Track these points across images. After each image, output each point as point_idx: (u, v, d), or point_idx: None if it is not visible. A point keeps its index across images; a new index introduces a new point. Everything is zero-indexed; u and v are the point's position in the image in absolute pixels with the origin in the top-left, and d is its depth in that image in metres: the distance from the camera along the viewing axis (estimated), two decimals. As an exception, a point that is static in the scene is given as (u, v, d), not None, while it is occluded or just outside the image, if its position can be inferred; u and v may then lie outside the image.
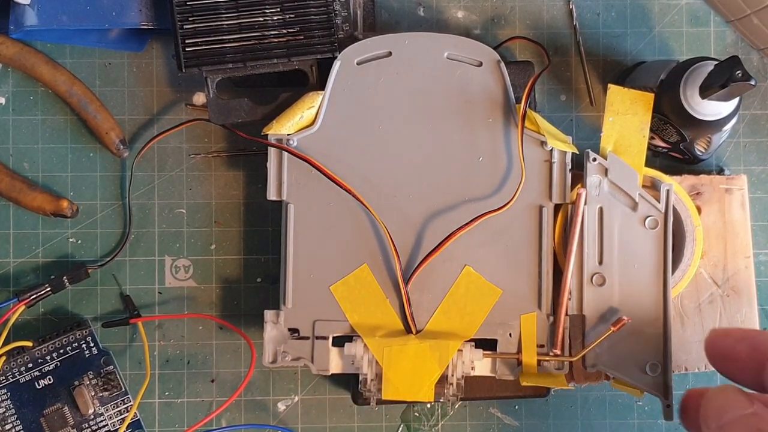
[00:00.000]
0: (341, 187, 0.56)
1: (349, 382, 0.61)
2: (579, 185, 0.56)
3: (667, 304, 0.55)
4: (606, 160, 0.56)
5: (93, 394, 0.60)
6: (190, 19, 0.57)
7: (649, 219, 0.56)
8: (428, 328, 0.56)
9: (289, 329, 0.56)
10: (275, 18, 0.57)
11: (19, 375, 0.60)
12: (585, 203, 0.56)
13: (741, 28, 0.63)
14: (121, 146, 0.62)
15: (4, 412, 0.60)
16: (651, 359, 0.55)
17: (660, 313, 0.56)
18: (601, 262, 0.56)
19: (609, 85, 0.57)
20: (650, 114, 0.57)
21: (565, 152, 0.56)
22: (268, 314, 0.56)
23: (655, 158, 0.63)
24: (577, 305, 0.56)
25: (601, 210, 0.56)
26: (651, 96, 0.56)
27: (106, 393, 0.60)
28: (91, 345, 0.61)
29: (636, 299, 0.56)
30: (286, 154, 0.56)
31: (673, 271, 0.57)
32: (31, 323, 0.62)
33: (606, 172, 0.56)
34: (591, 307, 0.56)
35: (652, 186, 0.57)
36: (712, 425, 0.45)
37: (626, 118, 0.56)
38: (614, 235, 0.56)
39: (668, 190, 0.56)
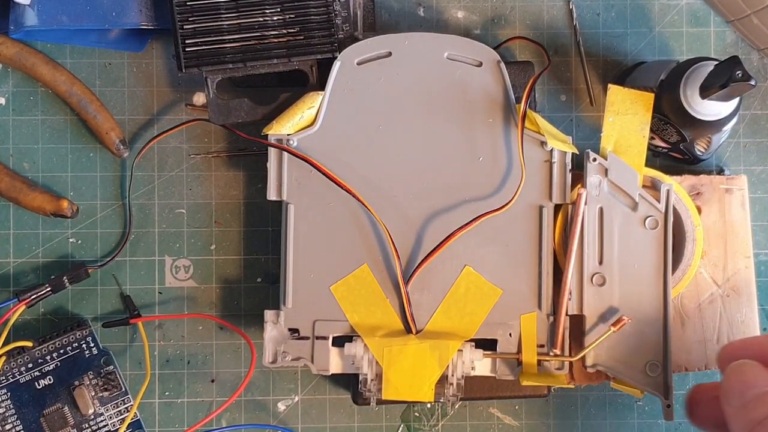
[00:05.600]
0: (341, 187, 0.56)
1: (349, 382, 0.61)
2: (579, 185, 0.56)
3: (667, 304, 0.55)
4: (606, 160, 0.56)
5: (93, 394, 0.60)
6: (190, 19, 0.57)
7: (649, 219, 0.56)
8: (428, 328, 0.56)
9: (289, 329, 0.56)
10: (275, 18, 0.57)
11: (19, 375, 0.60)
12: (585, 203, 0.56)
13: (741, 28, 0.63)
14: (121, 146, 0.62)
15: (4, 412, 0.60)
16: (651, 359, 0.55)
17: (660, 313, 0.55)
18: (601, 262, 0.56)
19: (609, 85, 0.57)
20: (650, 114, 0.56)
21: (565, 152, 0.56)
22: (268, 314, 0.56)
23: (655, 158, 0.63)
24: (577, 305, 0.56)
25: (601, 210, 0.56)
26: (651, 96, 0.56)
27: (106, 393, 0.60)
28: (91, 345, 0.61)
29: (636, 299, 0.56)
30: (286, 154, 0.56)
31: (674, 271, 0.57)
32: (31, 323, 0.62)
33: (606, 172, 0.56)
34: (591, 307, 0.56)
35: (652, 186, 0.57)
36: (735, 402, 0.44)
37: (626, 118, 0.56)
38: (614, 235, 0.56)
39: (668, 190, 0.56)
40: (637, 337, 0.55)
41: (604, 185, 0.56)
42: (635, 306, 0.56)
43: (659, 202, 0.56)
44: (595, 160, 0.56)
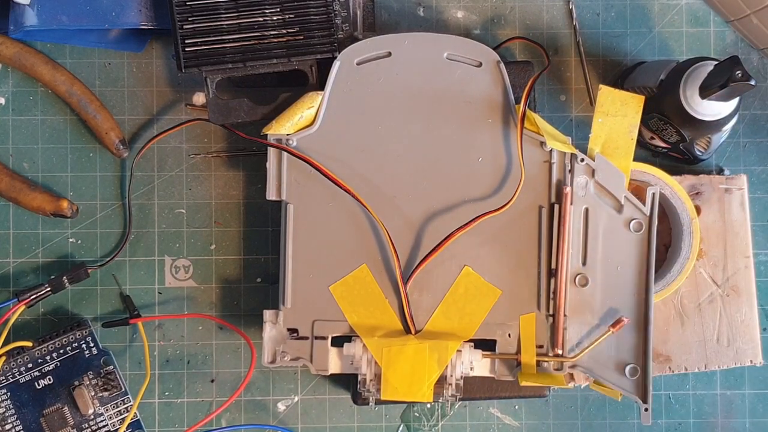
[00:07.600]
0: (341, 187, 0.56)
1: (349, 382, 0.61)
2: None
3: (649, 308, 0.55)
4: (594, 161, 0.56)
5: (93, 394, 0.60)
6: (189, 19, 0.57)
7: (633, 222, 0.56)
8: (427, 329, 0.56)
9: (289, 329, 0.56)
10: (275, 18, 0.57)
11: (19, 375, 0.60)
12: (571, 203, 0.55)
13: (741, 28, 0.63)
14: (121, 146, 0.62)
15: (4, 412, 0.60)
16: (631, 362, 0.55)
17: (641, 316, 0.55)
18: (584, 263, 0.56)
19: (600, 86, 0.56)
20: (639, 116, 0.56)
21: (565, 153, 0.56)
22: (268, 314, 0.56)
23: (655, 158, 0.63)
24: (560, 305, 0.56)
25: (586, 211, 0.56)
26: (641, 98, 0.56)
27: (106, 393, 0.60)
28: (91, 345, 0.61)
29: (618, 301, 0.55)
30: (285, 154, 0.56)
31: (672, 265, 0.57)
32: (31, 323, 0.62)
33: (593, 173, 0.56)
34: (573, 307, 0.55)
35: (645, 183, 0.57)
36: None
37: (615, 119, 0.56)
38: (599, 236, 0.56)
39: (654, 194, 0.55)
40: (618, 339, 0.55)
41: (591, 186, 0.56)
42: (617, 308, 0.55)
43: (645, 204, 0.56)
44: (582, 160, 0.56)
